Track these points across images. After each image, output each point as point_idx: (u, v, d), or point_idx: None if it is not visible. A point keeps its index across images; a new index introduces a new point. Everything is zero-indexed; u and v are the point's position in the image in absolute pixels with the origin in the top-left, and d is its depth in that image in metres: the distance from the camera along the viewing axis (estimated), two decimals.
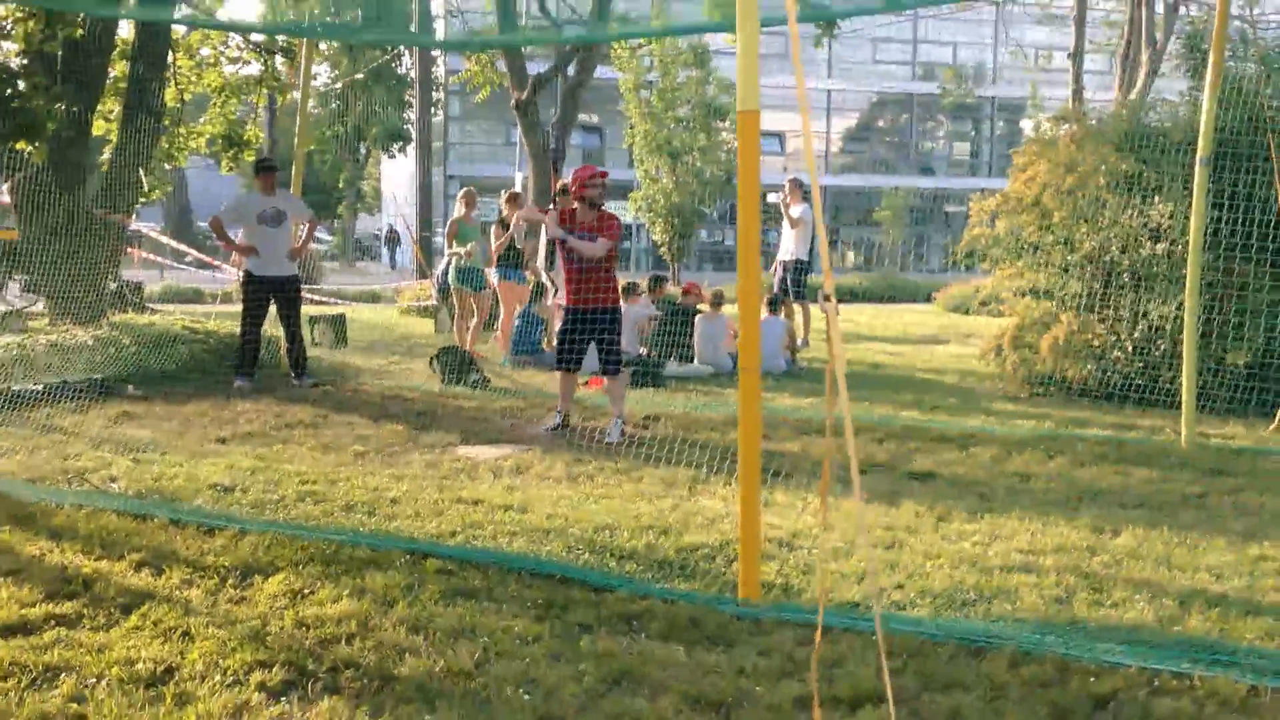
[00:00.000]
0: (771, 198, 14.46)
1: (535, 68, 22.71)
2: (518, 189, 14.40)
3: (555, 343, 9.50)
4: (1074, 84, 26.81)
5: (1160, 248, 10.30)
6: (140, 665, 4.13)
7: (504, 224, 13.20)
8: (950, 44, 48.51)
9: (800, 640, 4.47)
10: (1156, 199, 10.42)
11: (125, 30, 14.10)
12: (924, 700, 4.00)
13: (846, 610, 4.85)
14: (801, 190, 14.67)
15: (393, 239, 47.61)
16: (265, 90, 17.22)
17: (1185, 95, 11.46)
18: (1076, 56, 27.18)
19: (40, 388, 9.68)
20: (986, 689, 4.07)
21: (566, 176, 12.65)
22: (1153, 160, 10.46)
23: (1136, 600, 5.03)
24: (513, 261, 13.30)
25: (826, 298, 3.74)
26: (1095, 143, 11.03)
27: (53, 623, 4.55)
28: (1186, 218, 9.02)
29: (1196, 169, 8.43)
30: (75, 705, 3.82)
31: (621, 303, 9.72)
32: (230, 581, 5.09)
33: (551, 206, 11.87)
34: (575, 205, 8.92)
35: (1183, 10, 26.47)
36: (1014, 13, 41.03)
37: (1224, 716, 3.90)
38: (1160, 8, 26.42)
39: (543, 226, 12.26)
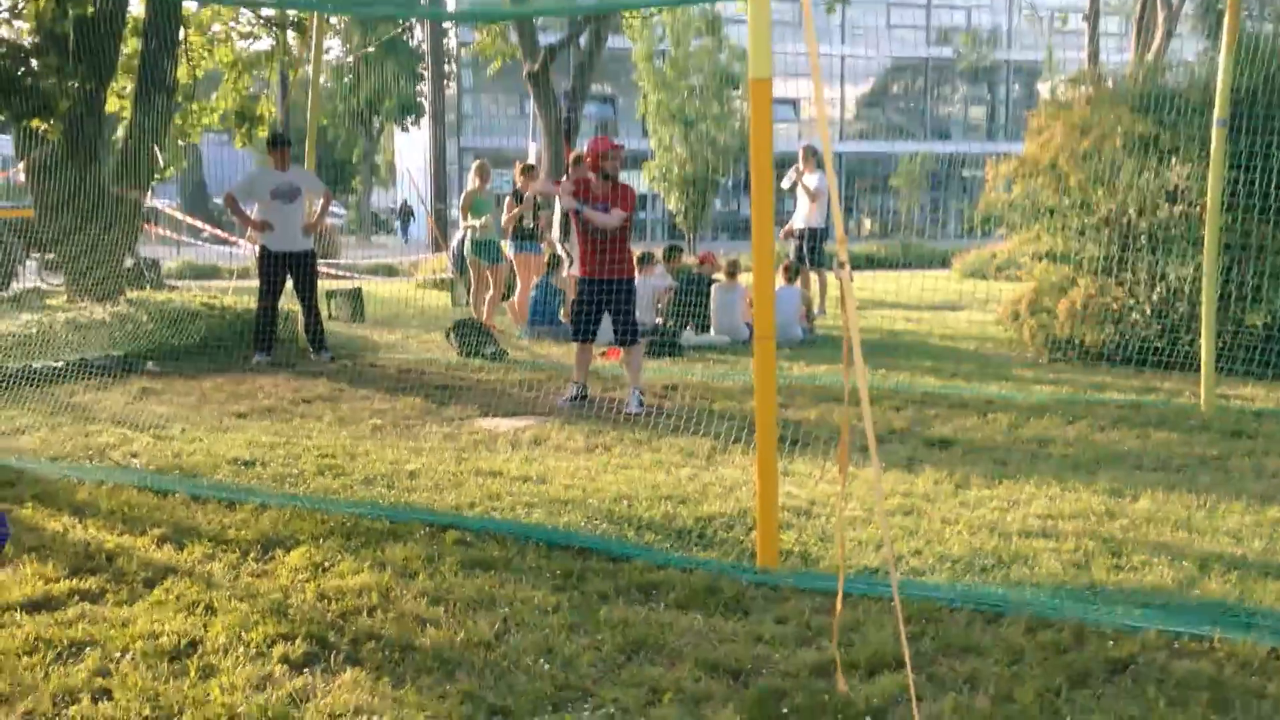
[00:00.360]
0: (785, 183, 14.43)
1: (547, 39, 22.67)
2: (532, 160, 14.37)
3: (570, 314, 9.49)
4: (1090, 46, 26.62)
5: (1178, 210, 10.23)
6: (164, 639, 4.16)
7: (518, 196, 13.19)
8: (965, 8, 48.16)
9: (818, 608, 4.49)
10: (1174, 161, 10.34)
11: (136, 7, 14.10)
12: (942, 665, 4.01)
13: (864, 577, 4.86)
14: (816, 158, 14.61)
15: (406, 212, 47.61)
16: (277, 65, 17.20)
17: (1201, 56, 11.37)
18: (1092, 19, 26.96)
19: (61, 365, 9.75)
20: (1004, 654, 4.08)
21: (580, 147, 12.62)
22: (1169, 122, 10.38)
23: (1155, 564, 5.03)
24: (528, 233, 13.29)
25: (840, 265, 3.74)
26: (1111, 105, 10.94)
27: (76, 598, 4.60)
28: (1204, 179, 8.95)
29: (1214, 130, 8.36)
30: (100, 679, 3.86)
31: (637, 273, 9.71)
32: (251, 555, 5.12)
33: (565, 177, 11.88)
34: (590, 176, 8.90)
35: None
36: None
37: (1243, 678, 3.90)
38: None
39: (557, 198, 12.27)
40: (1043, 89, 38.71)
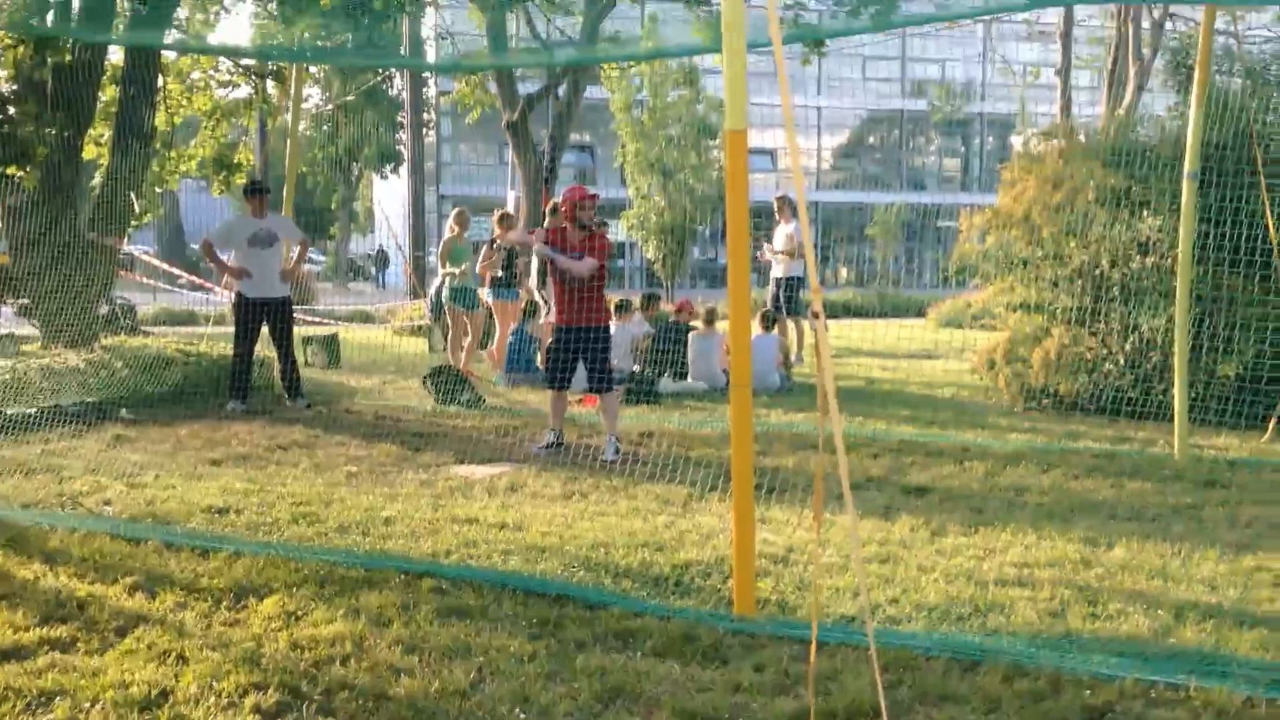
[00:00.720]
0: (767, 255, 14.70)
1: (526, 88, 22.81)
2: (510, 209, 14.42)
3: (545, 361, 9.49)
4: (1062, 100, 26.96)
5: (1149, 261, 10.33)
6: (134, 688, 4.12)
7: (493, 244, 13.22)
8: (939, 61, 48.72)
9: (795, 656, 4.48)
10: (1145, 213, 10.46)
11: (115, 55, 14.13)
12: (919, 714, 4.01)
13: (841, 625, 4.86)
14: (791, 208, 14.71)
15: (381, 259, 47.56)
16: (256, 113, 17.25)
17: (1172, 111, 11.53)
18: (1064, 73, 27.32)
19: (34, 411, 9.67)
20: (981, 702, 4.08)
21: (559, 195, 12.68)
22: (1141, 175, 10.50)
23: (1131, 612, 5.04)
24: (506, 280, 13.31)
25: (815, 314, 3.76)
26: (1084, 158, 11.08)
27: (47, 647, 4.54)
28: (1175, 232, 9.06)
29: (1184, 183, 8.48)
30: None
31: (614, 321, 9.72)
32: (224, 604, 5.08)
33: (542, 225, 11.92)
34: (566, 225, 8.93)
35: (1169, 26, 26.60)
36: (1002, 30, 41.23)
37: None
38: (1146, 24, 26.55)
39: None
40: (1016, 142, 39.16)
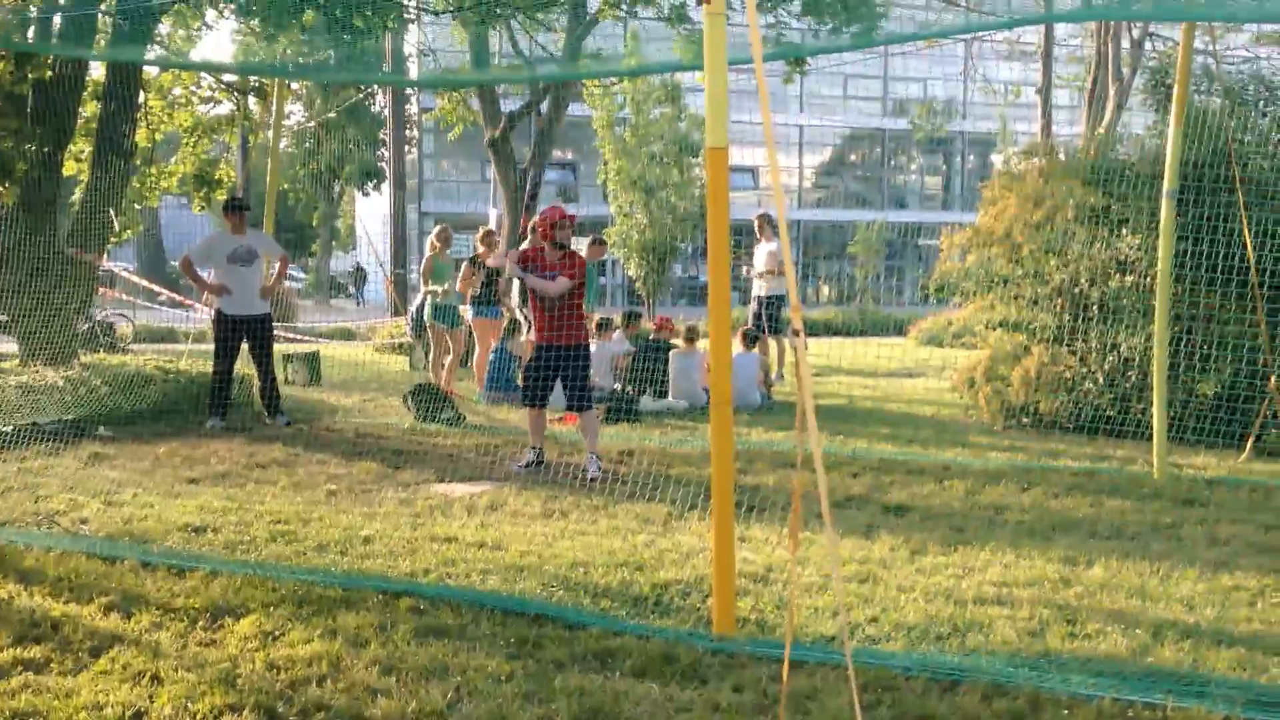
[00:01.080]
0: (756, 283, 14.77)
1: (509, 105, 22.82)
2: (491, 226, 14.43)
3: (522, 379, 9.46)
4: (1042, 118, 27.11)
5: (1129, 280, 10.39)
6: (109, 710, 4.08)
7: (474, 261, 13.22)
8: (921, 80, 48.97)
9: (775, 675, 4.46)
10: (1124, 232, 10.52)
11: (96, 71, 14.09)
12: None
13: (821, 645, 4.85)
14: (771, 226, 14.74)
15: (360, 276, 47.46)
16: (237, 130, 17.21)
17: (1151, 129, 11.59)
18: (1045, 91, 27.49)
19: (10, 429, 9.61)
20: None
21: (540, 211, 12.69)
22: (1120, 194, 10.57)
23: (1109, 631, 5.04)
24: (487, 298, 13.30)
25: (795, 332, 3.76)
26: (1063, 177, 11.14)
27: (20, 668, 4.50)
28: (1154, 250, 9.11)
29: (1163, 202, 8.53)
30: None
31: (594, 339, 9.70)
32: (200, 624, 5.05)
33: (523, 244, 11.91)
34: (544, 245, 8.93)
35: (1148, 46, 26.83)
36: (983, 49, 41.45)
37: None
38: (1126, 43, 26.77)
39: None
40: (996, 160, 39.38)
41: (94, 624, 5.02)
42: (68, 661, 4.58)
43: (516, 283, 13.50)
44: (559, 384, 8.97)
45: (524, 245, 13.05)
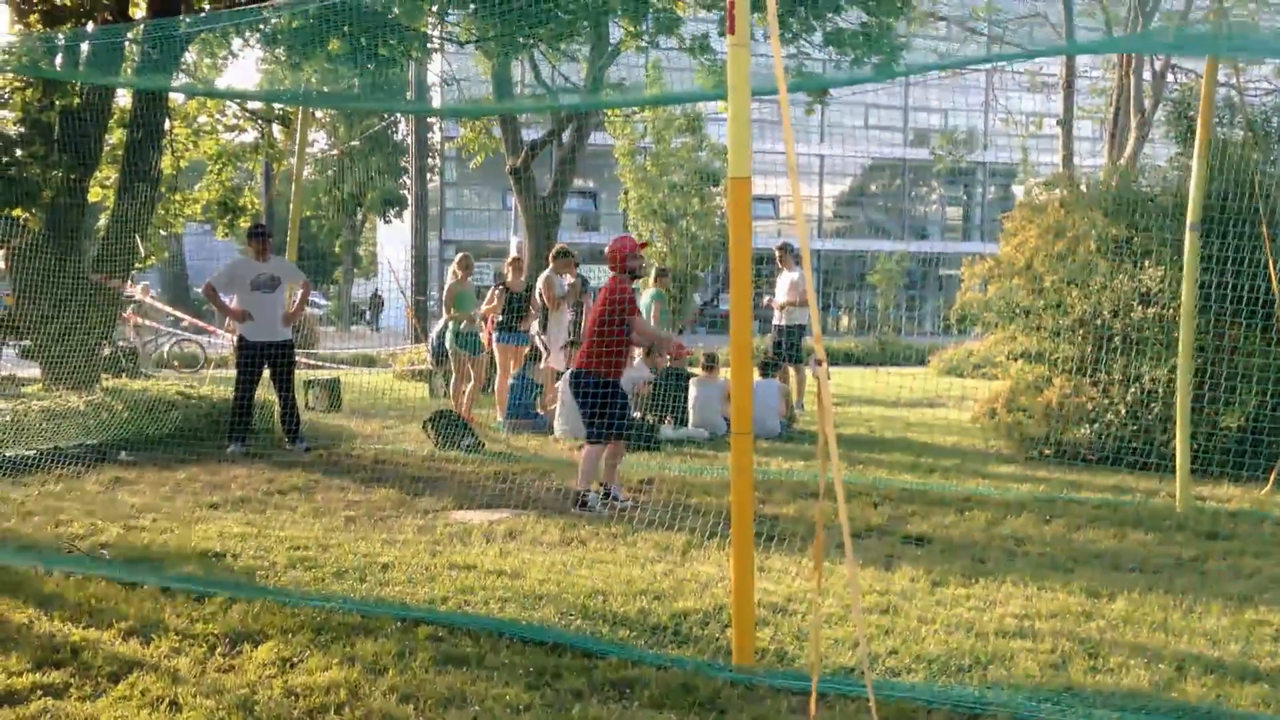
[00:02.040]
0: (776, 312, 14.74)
1: (530, 134, 22.94)
2: (514, 254, 14.50)
3: (590, 414, 8.91)
4: (1064, 150, 27.08)
5: (1151, 312, 10.35)
6: None
7: (505, 287, 13.27)
8: (942, 110, 49.02)
9: (794, 707, 4.43)
10: (1147, 263, 10.48)
11: (123, 98, 14.23)
12: None
13: (841, 676, 4.81)
14: (794, 256, 14.76)
15: (377, 303, 47.57)
16: (262, 157, 17.34)
17: (1174, 161, 11.56)
18: (1066, 123, 27.47)
19: (33, 453, 9.66)
20: None
21: (561, 240, 12.71)
22: (1143, 225, 10.54)
23: (1132, 665, 5.00)
24: (509, 324, 13.33)
25: (818, 361, 3.76)
26: (1085, 208, 11.11)
27: (40, 693, 4.51)
28: (1177, 282, 9.07)
29: (1186, 234, 8.50)
30: None
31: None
32: (219, 650, 5.04)
33: (551, 270, 11.97)
34: (624, 279, 8.63)
35: (1170, 77, 26.78)
36: (1004, 80, 41.47)
37: None
38: (1148, 75, 26.74)
39: (541, 287, 12.46)
40: (1018, 191, 39.33)
41: (113, 649, 5.02)
42: (87, 687, 4.58)
43: (542, 310, 13.50)
44: (576, 410, 8.83)
45: (557, 274, 13.07)
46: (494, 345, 13.50)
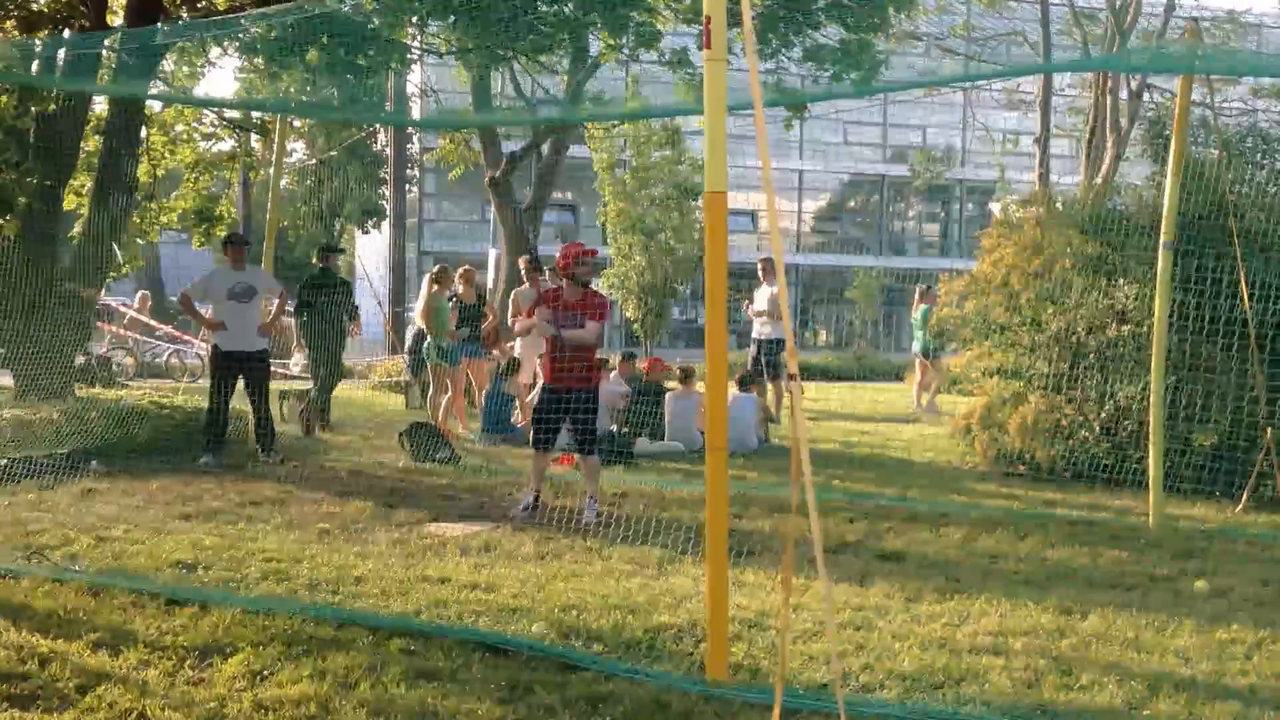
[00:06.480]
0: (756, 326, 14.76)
1: (510, 146, 22.90)
2: (491, 265, 14.49)
3: (531, 421, 9.28)
4: (1040, 168, 27.25)
5: (1126, 329, 10.40)
6: None
7: (458, 299, 13.28)
8: (920, 127, 49.25)
9: None
10: (1121, 281, 10.54)
11: (99, 105, 14.14)
12: None
13: (814, 692, 4.81)
14: (773, 270, 14.79)
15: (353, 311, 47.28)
16: (239, 166, 17.27)
17: (1149, 180, 11.64)
18: (1043, 141, 27.65)
19: (4, 463, 9.57)
20: None
21: (540, 252, 12.69)
22: (1118, 243, 10.60)
23: (1105, 683, 5.01)
24: (472, 337, 13.32)
25: (791, 376, 3.76)
26: (1061, 226, 11.17)
27: (5, 704, 4.46)
28: (1151, 300, 9.11)
29: (1160, 252, 8.55)
30: None
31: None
32: (189, 662, 5.00)
33: (527, 283, 11.93)
34: (562, 284, 8.82)
35: (1146, 97, 27.01)
36: (982, 98, 41.72)
37: None
38: (1124, 94, 26.95)
39: (511, 310, 12.41)
40: (995, 208, 39.51)
41: (81, 660, 4.97)
42: (54, 699, 4.53)
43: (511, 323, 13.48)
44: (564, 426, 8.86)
45: (521, 287, 13.09)
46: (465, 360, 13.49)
